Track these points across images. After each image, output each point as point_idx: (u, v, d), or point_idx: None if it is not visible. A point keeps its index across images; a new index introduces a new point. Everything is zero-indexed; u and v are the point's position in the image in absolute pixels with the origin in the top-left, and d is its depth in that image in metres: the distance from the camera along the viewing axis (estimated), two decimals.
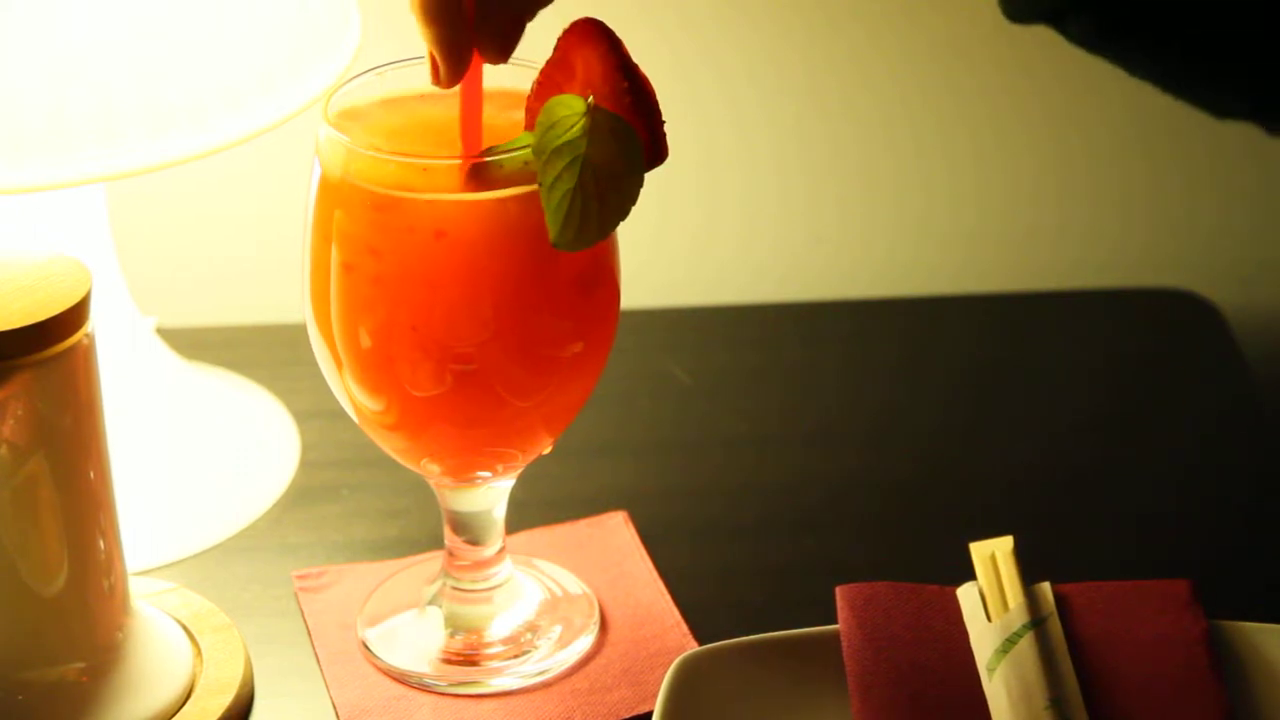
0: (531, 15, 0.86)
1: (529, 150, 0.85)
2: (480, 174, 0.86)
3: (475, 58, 0.86)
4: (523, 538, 1.02)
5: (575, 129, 0.83)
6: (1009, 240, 1.27)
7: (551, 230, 0.84)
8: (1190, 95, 0.97)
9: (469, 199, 0.86)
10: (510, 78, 0.89)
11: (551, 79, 0.85)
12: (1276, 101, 0.96)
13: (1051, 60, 1.24)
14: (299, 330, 0.93)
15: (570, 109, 0.83)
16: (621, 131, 0.83)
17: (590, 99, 0.83)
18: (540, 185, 0.84)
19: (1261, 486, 1.05)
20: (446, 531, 0.96)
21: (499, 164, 0.85)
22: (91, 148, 0.92)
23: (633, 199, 0.84)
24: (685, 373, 1.15)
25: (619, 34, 0.86)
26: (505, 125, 0.88)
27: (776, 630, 0.92)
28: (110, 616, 0.91)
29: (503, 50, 0.85)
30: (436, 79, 0.86)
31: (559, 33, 0.85)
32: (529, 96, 0.86)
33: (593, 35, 0.84)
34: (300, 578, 1.00)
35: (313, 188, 0.89)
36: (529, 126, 0.85)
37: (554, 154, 0.83)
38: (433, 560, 0.99)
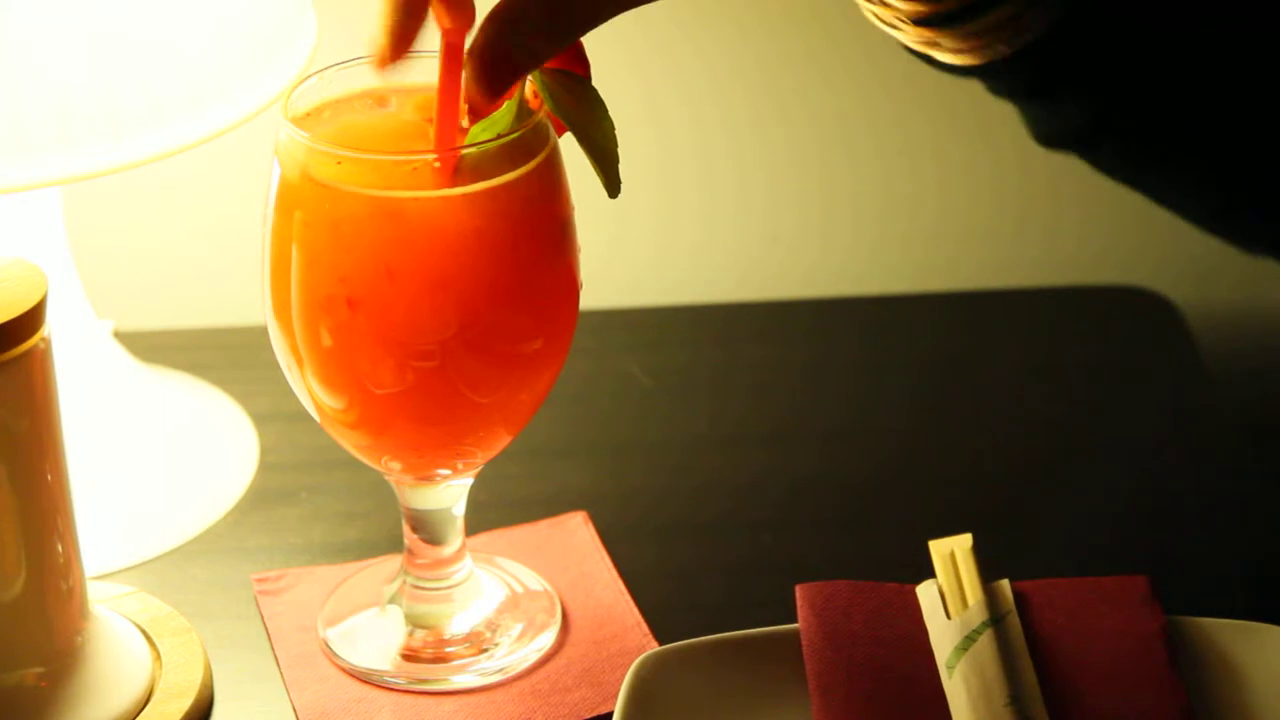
0: (541, 60, 0.84)
1: (501, 140, 0.85)
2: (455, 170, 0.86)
3: (456, 52, 0.86)
4: (483, 539, 1.02)
5: (545, 96, 0.84)
6: (968, 238, 1.28)
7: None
8: (1226, 237, 0.98)
9: (435, 196, 0.86)
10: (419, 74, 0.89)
11: None
12: None
13: None
14: (257, 332, 0.93)
15: (536, 80, 0.85)
16: (571, 83, 0.84)
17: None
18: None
19: (1217, 483, 1.06)
20: (406, 530, 0.96)
21: (470, 157, 0.86)
22: (50, 151, 0.91)
23: (613, 138, 0.85)
24: (645, 373, 1.15)
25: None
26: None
27: (736, 630, 0.92)
28: (68, 621, 0.91)
29: (492, 92, 0.83)
30: (379, 61, 0.86)
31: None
32: None
33: None
34: (259, 581, 1.00)
35: (272, 188, 0.89)
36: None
37: (565, 120, 0.85)
38: (392, 561, 0.99)
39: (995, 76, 0.91)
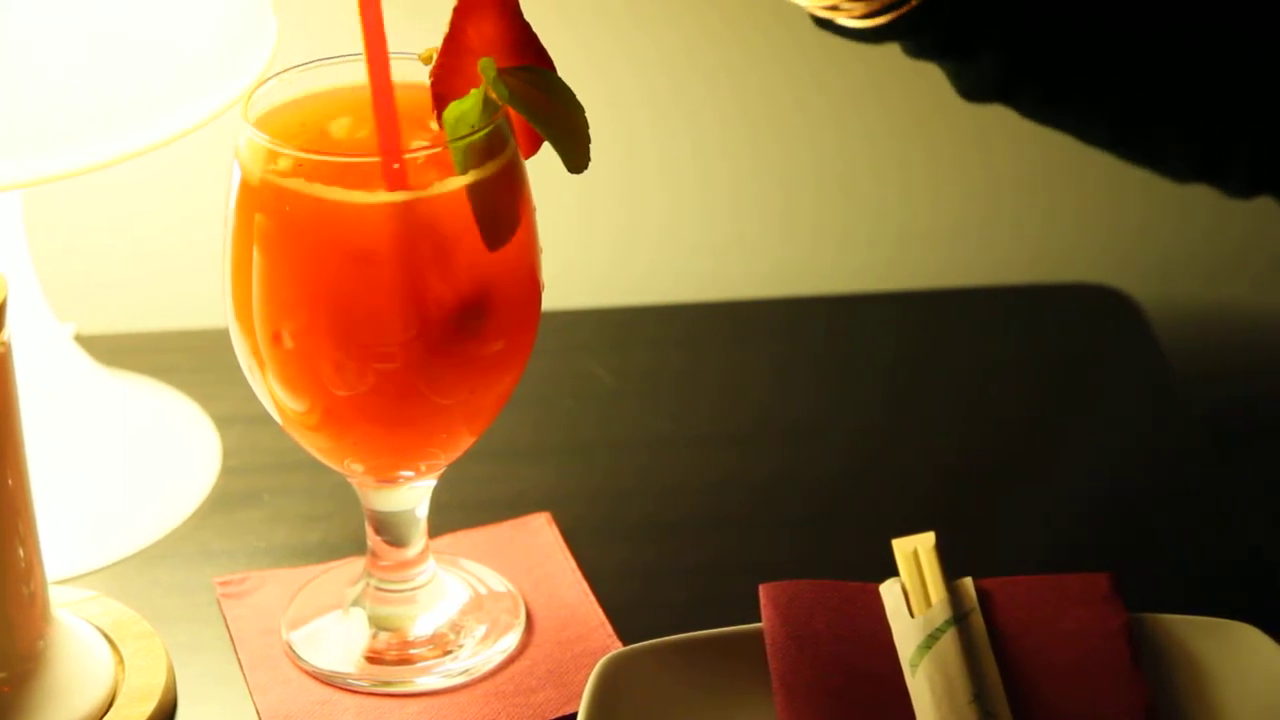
0: None
1: (466, 141, 0.85)
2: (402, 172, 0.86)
3: (383, 55, 0.86)
4: (446, 540, 1.01)
5: (505, 95, 0.84)
6: (933, 237, 1.28)
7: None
8: (1141, 161, 0.99)
9: (395, 198, 0.85)
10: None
11: (450, 58, 0.85)
12: (1221, 167, 0.97)
13: None
14: (218, 335, 0.93)
15: (494, 82, 0.85)
16: (535, 77, 0.84)
17: (492, 67, 0.84)
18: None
19: (1180, 481, 1.06)
20: (369, 532, 0.95)
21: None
22: (10, 154, 0.91)
23: (584, 121, 0.85)
24: (608, 373, 1.15)
25: (537, 32, 0.86)
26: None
27: (700, 630, 0.92)
28: (30, 625, 0.90)
29: None
30: None
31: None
32: (433, 83, 0.86)
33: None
34: (222, 584, 1.00)
35: (233, 190, 0.89)
36: (437, 112, 0.86)
37: (529, 114, 0.85)
38: (355, 563, 0.99)
39: (905, 36, 0.92)
